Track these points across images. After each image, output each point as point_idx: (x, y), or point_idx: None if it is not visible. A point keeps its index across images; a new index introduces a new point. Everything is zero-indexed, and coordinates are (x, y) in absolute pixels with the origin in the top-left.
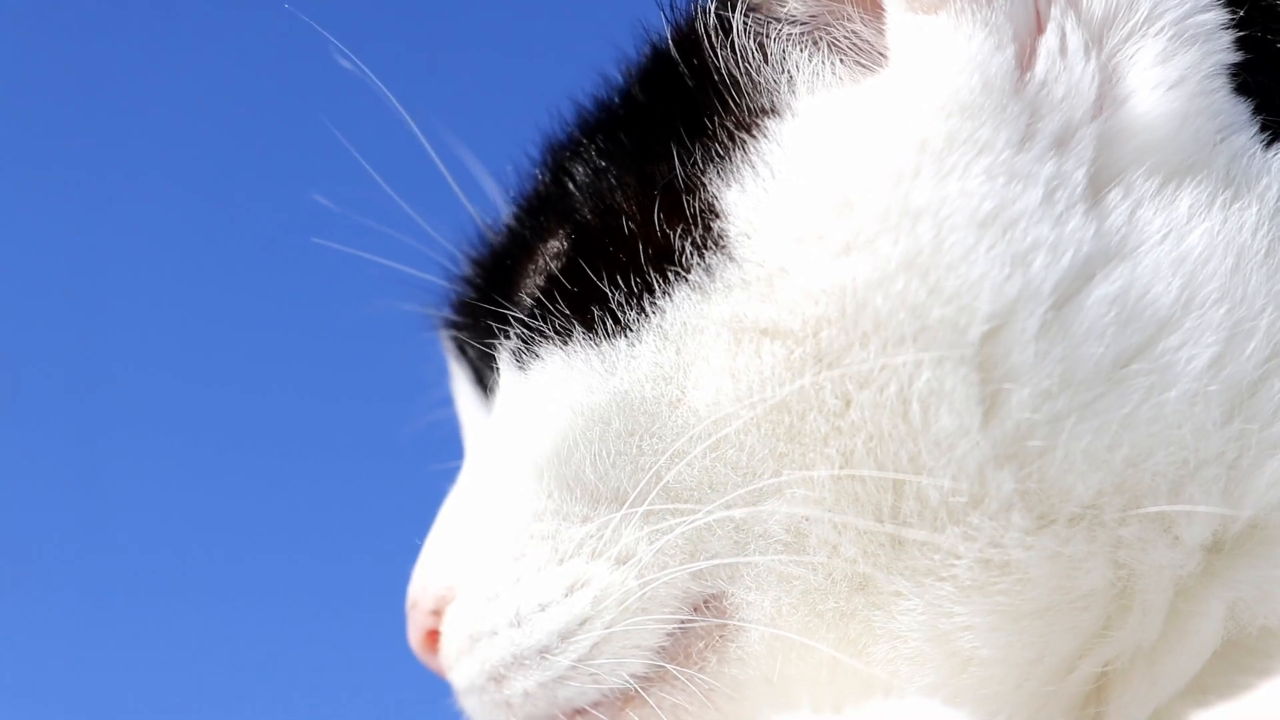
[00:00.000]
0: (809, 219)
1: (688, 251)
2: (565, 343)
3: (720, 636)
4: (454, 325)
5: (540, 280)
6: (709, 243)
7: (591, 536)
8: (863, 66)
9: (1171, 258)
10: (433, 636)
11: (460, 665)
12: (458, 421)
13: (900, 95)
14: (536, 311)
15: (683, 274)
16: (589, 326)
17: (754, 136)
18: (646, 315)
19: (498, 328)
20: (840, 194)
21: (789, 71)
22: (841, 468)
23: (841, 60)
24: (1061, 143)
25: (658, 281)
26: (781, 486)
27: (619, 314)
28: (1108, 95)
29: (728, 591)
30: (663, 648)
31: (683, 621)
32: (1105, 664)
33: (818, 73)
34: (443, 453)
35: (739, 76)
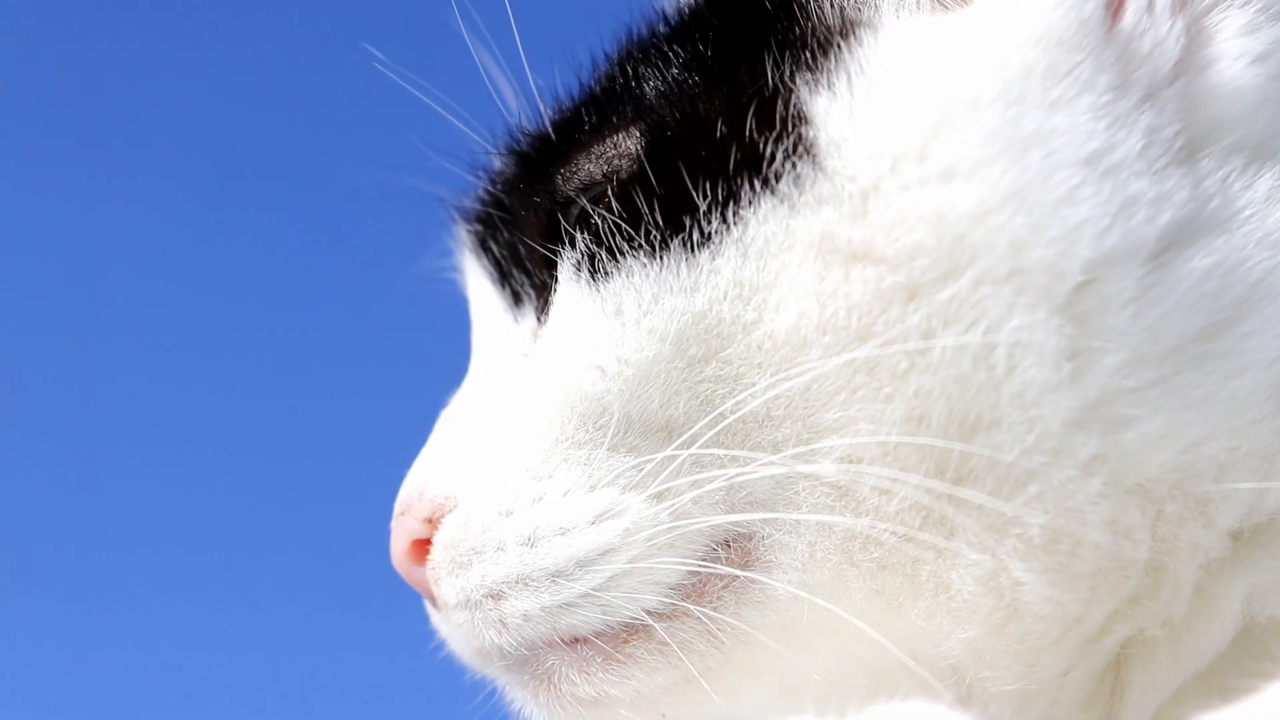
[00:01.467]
0: (907, 136)
1: (778, 159)
2: (656, 256)
3: (745, 579)
4: (486, 219)
5: (618, 182)
6: (799, 150)
7: (632, 468)
8: (941, 6)
9: (1257, 238)
10: (419, 547)
11: (453, 578)
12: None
13: (997, 22)
14: (623, 216)
15: (771, 183)
16: (682, 238)
17: (847, 45)
18: (729, 227)
19: (565, 229)
20: (943, 112)
21: None
22: (915, 410)
23: None
24: (1149, 98)
25: (745, 190)
26: (846, 423)
27: (704, 224)
28: (1189, 59)
29: (760, 532)
30: (681, 585)
31: (706, 561)
32: (1136, 632)
33: None
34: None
35: None
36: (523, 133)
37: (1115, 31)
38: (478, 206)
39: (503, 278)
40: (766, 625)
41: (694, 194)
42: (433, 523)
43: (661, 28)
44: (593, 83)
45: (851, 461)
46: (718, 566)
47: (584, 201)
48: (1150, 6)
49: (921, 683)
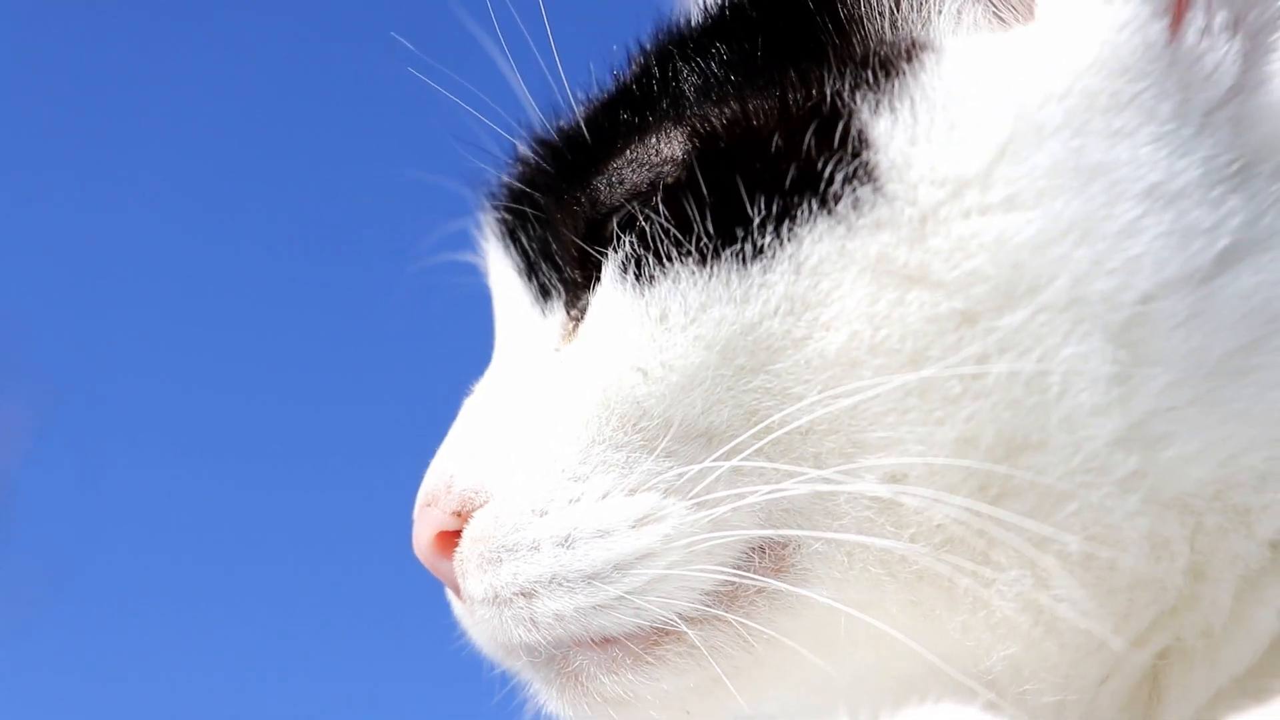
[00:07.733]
0: (971, 163)
1: (837, 180)
2: (706, 264)
3: (779, 589)
4: (515, 210)
5: (667, 187)
6: (859, 173)
7: (673, 474)
8: (1000, 19)
9: None
10: (445, 539)
11: (483, 574)
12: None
13: (1060, 46)
14: (673, 222)
15: (829, 204)
16: (733, 249)
17: (910, 67)
18: (782, 243)
19: (610, 230)
20: (1008, 139)
21: (929, 10)
22: (965, 433)
23: (984, 6)
24: (1207, 122)
25: (801, 208)
26: (893, 443)
27: (758, 238)
28: (1244, 79)
29: (797, 541)
30: (715, 591)
31: (742, 569)
32: (1174, 641)
33: (961, 13)
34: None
35: (883, 8)
36: (555, 125)
37: (1176, 53)
38: (506, 196)
39: (530, 270)
40: (798, 632)
41: (748, 207)
42: (461, 516)
43: (697, 24)
44: (627, 76)
45: (895, 480)
46: (753, 576)
47: (633, 206)
48: (1208, 27)
49: (954, 686)
